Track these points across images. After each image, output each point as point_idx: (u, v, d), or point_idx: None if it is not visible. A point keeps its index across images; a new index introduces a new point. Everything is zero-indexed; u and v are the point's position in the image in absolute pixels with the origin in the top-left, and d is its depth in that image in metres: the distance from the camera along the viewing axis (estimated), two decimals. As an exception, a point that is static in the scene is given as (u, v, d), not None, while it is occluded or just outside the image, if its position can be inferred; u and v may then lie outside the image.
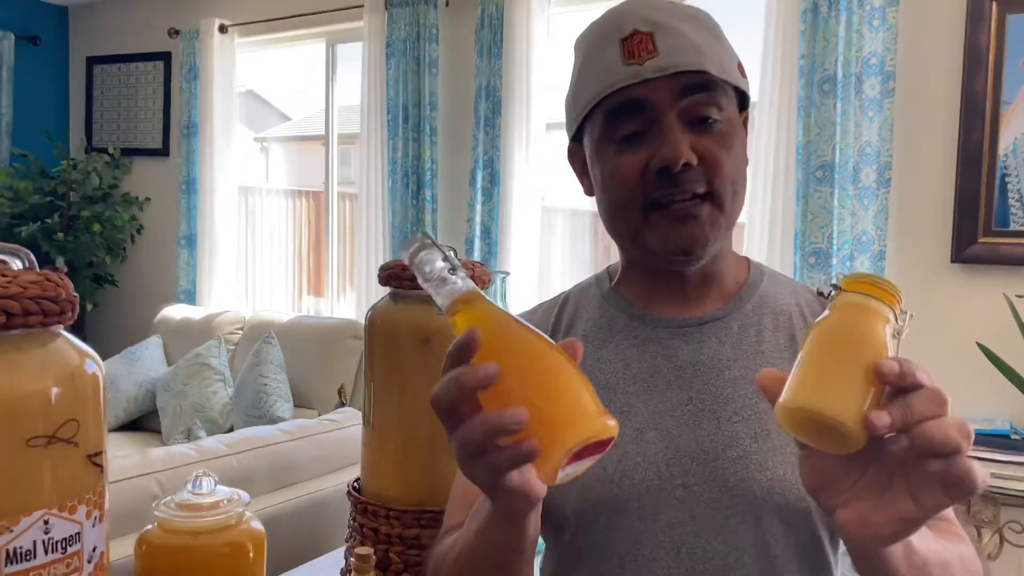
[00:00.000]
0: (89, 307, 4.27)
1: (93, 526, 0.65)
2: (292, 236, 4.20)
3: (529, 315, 0.97)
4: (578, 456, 0.55)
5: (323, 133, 3.91)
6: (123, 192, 4.44)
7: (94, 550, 0.65)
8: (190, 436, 2.84)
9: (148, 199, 4.43)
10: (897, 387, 0.55)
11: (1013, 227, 2.44)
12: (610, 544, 0.83)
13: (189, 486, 0.94)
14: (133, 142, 4.49)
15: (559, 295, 0.99)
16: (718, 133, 0.82)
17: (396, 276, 1.06)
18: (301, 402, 3.18)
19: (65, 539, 0.62)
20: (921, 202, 2.56)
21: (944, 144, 2.51)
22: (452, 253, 0.62)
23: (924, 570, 0.64)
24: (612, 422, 0.56)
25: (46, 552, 0.61)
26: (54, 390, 0.61)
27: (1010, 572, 2.19)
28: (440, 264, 0.61)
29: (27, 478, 0.60)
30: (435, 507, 1.04)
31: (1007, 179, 2.44)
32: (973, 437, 0.55)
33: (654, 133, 0.80)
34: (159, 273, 4.36)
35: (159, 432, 3.37)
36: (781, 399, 0.57)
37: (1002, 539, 2.18)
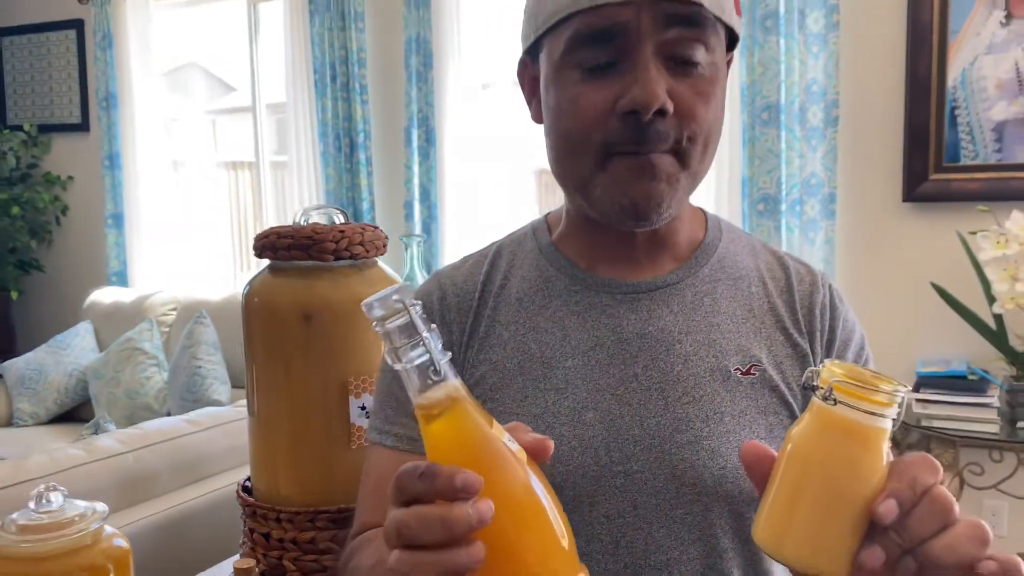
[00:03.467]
0: (14, 295, 4.04)
1: None
2: (227, 210, 4.00)
3: (454, 270, 0.84)
4: None
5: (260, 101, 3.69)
6: (44, 172, 4.19)
7: None
8: (98, 430, 2.67)
9: (71, 178, 4.18)
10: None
11: (964, 161, 2.36)
12: None
13: (32, 503, 0.81)
14: (50, 118, 4.22)
15: (489, 246, 0.86)
16: (699, 79, 0.70)
17: (272, 247, 0.92)
18: (241, 383, 3.01)
19: None
20: (870, 140, 2.47)
21: (892, 78, 2.42)
22: (432, 329, 0.49)
23: None
24: None
25: None
26: None
27: (970, 515, 2.15)
28: (420, 346, 0.48)
29: None
30: (331, 507, 0.92)
31: (956, 111, 2.35)
32: (991, 539, 0.49)
33: (626, 67, 0.68)
34: (88, 255, 4.14)
35: (95, 423, 3.19)
36: (759, 526, 0.53)
37: (962, 482, 2.14)
